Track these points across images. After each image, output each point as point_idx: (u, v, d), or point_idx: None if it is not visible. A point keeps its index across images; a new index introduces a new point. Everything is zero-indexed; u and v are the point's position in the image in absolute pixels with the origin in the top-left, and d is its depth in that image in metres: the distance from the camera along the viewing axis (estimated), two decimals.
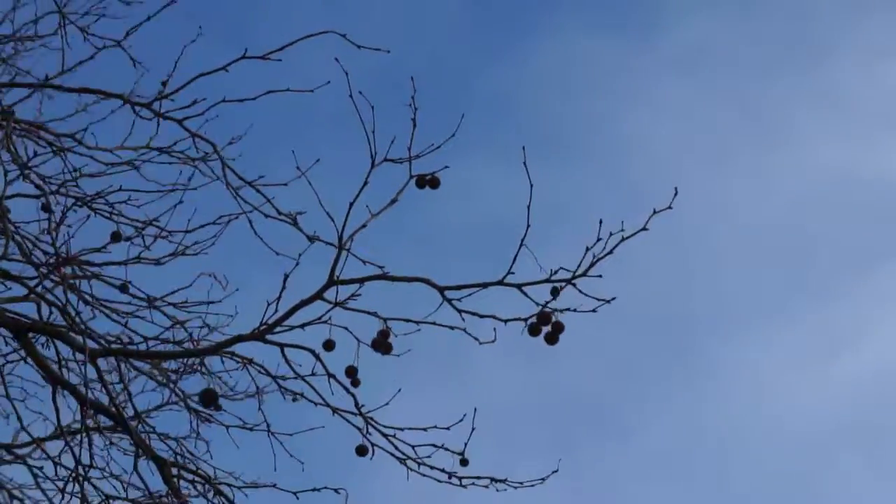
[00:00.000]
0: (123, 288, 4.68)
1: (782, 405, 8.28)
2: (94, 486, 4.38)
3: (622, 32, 7.82)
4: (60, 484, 4.37)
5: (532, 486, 4.27)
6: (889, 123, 8.55)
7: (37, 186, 4.41)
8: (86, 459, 4.26)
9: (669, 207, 3.91)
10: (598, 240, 3.89)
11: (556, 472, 4.26)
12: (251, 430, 4.76)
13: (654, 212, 3.92)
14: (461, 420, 4.31)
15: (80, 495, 4.29)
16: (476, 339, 4.17)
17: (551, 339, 3.92)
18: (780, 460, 7.89)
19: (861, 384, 8.41)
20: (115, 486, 4.63)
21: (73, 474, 4.25)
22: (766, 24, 8.33)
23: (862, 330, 8.58)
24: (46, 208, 4.39)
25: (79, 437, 4.39)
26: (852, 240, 8.47)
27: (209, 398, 4.05)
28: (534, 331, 3.92)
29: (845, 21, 8.46)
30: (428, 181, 4.33)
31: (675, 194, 3.91)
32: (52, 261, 4.34)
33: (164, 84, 4.31)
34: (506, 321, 3.95)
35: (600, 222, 3.85)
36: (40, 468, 4.65)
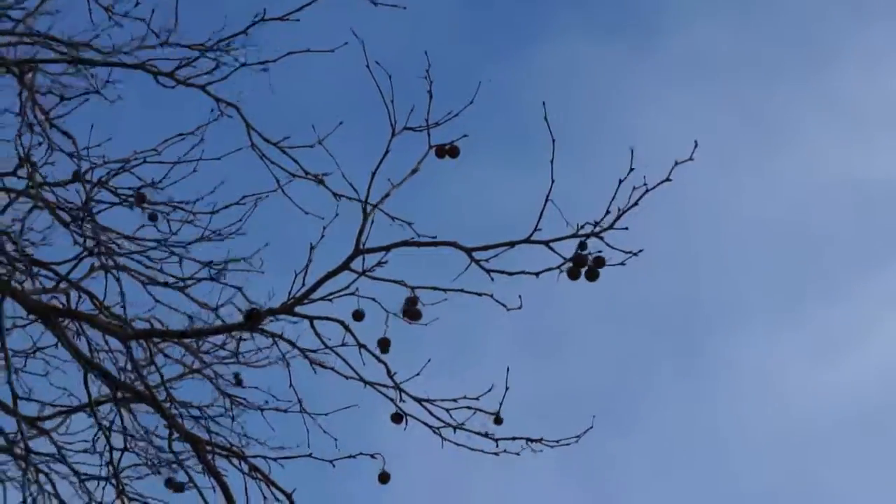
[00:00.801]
0: (152, 217, 4.67)
1: (787, 403, 8.30)
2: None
3: (623, 38, 7.85)
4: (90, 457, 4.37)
5: (567, 444, 4.25)
6: (892, 126, 8.56)
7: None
8: (118, 443, 4.29)
9: (691, 159, 3.90)
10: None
11: (591, 428, 4.23)
12: (285, 412, 4.73)
13: (676, 163, 3.91)
14: (490, 389, 4.30)
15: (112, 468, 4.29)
16: (504, 305, 4.16)
17: (592, 274, 3.88)
18: (784, 457, 7.93)
19: (865, 383, 8.40)
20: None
21: (108, 451, 4.27)
22: (768, 29, 8.37)
23: (867, 329, 8.60)
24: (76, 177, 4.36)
25: (111, 418, 4.39)
26: (857, 241, 8.51)
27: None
28: (573, 274, 3.89)
29: (848, 26, 8.48)
30: (448, 150, 4.32)
31: (696, 146, 3.89)
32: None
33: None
34: (537, 274, 3.93)
35: (619, 182, 3.83)
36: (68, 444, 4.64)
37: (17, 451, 4.47)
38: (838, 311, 8.50)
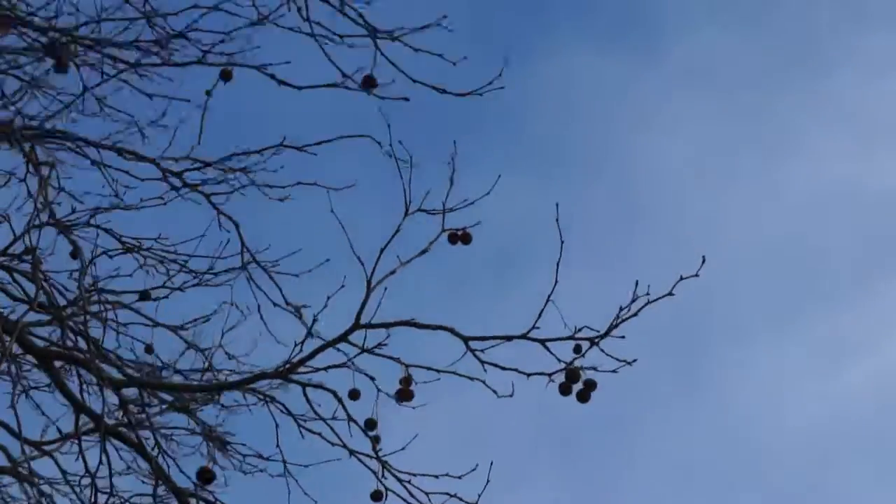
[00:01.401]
0: (144, 296, 4.75)
1: (792, 412, 8.34)
2: None
3: (626, 49, 7.87)
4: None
5: None
6: (891, 135, 8.59)
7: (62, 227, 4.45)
8: (103, 485, 4.33)
9: (696, 275, 3.98)
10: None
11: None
12: (267, 459, 4.77)
13: (681, 278, 3.99)
14: (474, 469, 4.36)
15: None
16: (495, 392, 4.24)
17: (583, 396, 3.97)
18: (789, 466, 7.95)
19: (870, 393, 8.39)
20: None
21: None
22: (771, 39, 8.36)
23: (871, 339, 8.63)
24: (74, 255, 4.45)
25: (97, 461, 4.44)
26: (861, 250, 8.51)
27: (206, 477, 4.11)
28: (565, 389, 3.97)
29: (850, 35, 8.49)
30: (460, 237, 4.40)
31: (703, 262, 3.97)
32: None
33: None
34: (528, 375, 4.01)
35: (635, 284, 3.91)
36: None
37: (21, 471, 4.52)
38: (842, 321, 8.51)
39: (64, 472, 4.63)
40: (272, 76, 4.33)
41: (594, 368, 4.04)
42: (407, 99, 4.29)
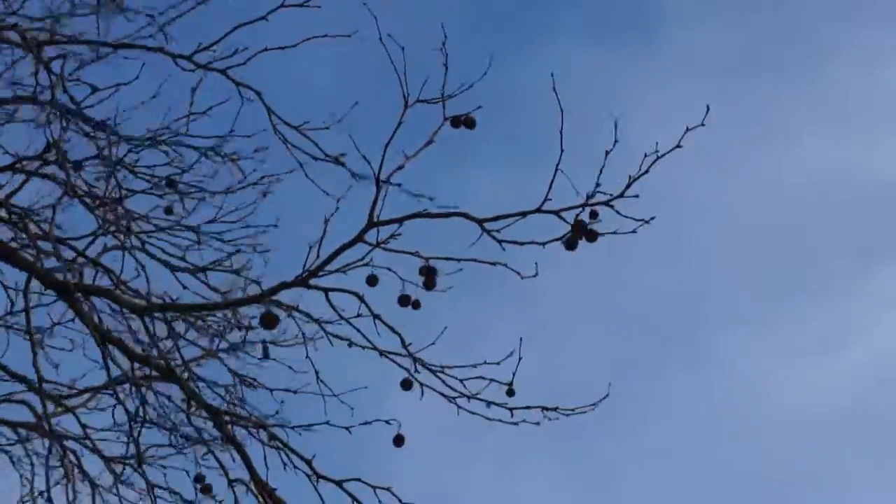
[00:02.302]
0: (171, 183, 4.73)
1: (784, 396, 8.45)
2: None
3: (621, 41, 7.93)
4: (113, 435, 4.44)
5: (584, 412, 4.29)
6: (887, 125, 8.66)
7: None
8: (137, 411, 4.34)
9: (702, 125, 3.93)
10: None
11: (606, 396, 4.27)
12: (295, 392, 4.74)
13: (687, 129, 3.94)
14: (510, 355, 4.34)
15: (134, 445, 4.36)
16: (518, 273, 4.19)
17: (591, 236, 3.93)
18: (781, 449, 8.07)
19: (860, 377, 8.56)
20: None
21: (129, 427, 4.34)
22: (764, 31, 8.46)
23: (861, 324, 8.74)
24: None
25: (129, 389, 4.44)
26: (853, 238, 8.63)
27: (270, 322, 4.06)
28: (571, 242, 3.94)
29: (843, 28, 8.60)
30: (463, 121, 4.35)
31: (707, 111, 3.93)
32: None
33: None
34: (544, 244, 3.97)
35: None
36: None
37: (43, 429, 4.53)
38: (833, 307, 8.71)
39: (84, 427, 4.64)
40: None
41: (614, 232, 4.00)
42: None
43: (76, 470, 4.60)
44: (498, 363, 4.32)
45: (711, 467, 7.67)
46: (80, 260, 4.50)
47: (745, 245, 8.12)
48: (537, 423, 4.37)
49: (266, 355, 4.65)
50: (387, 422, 4.23)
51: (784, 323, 8.58)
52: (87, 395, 4.76)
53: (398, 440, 4.27)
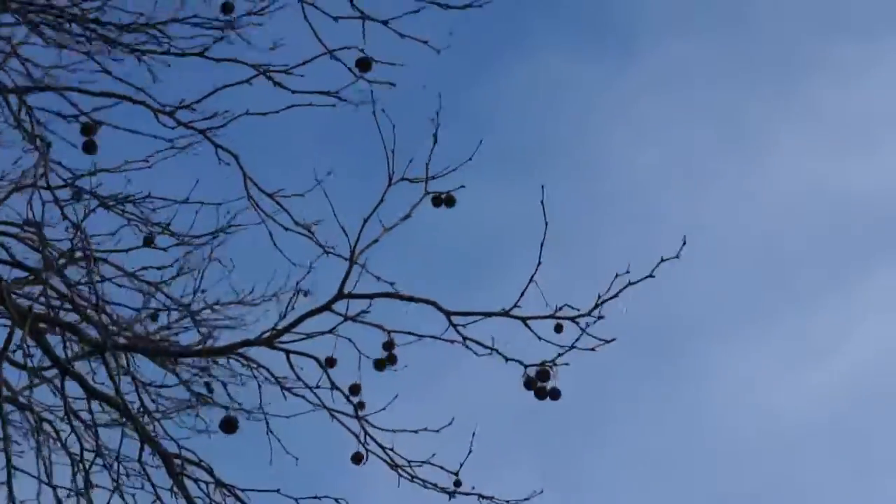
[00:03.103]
0: (148, 240, 4.78)
1: (763, 408, 8.56)
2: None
3: (599, 56, 8.00)
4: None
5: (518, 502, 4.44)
6: (863, 139, 8.83)
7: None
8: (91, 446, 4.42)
9: (677, 257, 4.05)
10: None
11: (541, 492, 4.42)
12: (249, 412, 4.81)
13: (662, 259, 4.06)
14: (450, 423, 4.45)
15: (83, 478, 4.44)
16: (475, 352, 4.32)
17: (543, 396, 4.08)
18: (763, 461, 8.11)
19: (841, 388, 8.67)
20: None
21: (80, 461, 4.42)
22: (742, 45, 8.58)
23: (841, 336, 8.86)
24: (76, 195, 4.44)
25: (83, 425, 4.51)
26: (831, 251, 8.78)
27: (230, 425, 4.18)
28: (532, 384, 4.08)
29: (819, 45, 8.74)
30: (444, 200, 4.44)
31: (684, 244, 4.04)
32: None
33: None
34: (507, 359, 4.11)
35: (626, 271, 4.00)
36: None
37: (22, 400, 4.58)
38: (812, 319, 8.78)
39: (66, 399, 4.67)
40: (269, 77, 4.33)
41: (574, 347, 4.13)
42: (393, 84, 4.27)
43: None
44: (438, 431, 4.44)
45: (692, 479, 7.85)
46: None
47: (722, 257, 8.25)
48: (480, 499, 4.49)
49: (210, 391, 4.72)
50: (336, 500, 4.35)
51: (763, 335, 8.72)
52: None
53: None
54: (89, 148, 4.38)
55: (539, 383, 4.06)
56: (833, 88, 8.75)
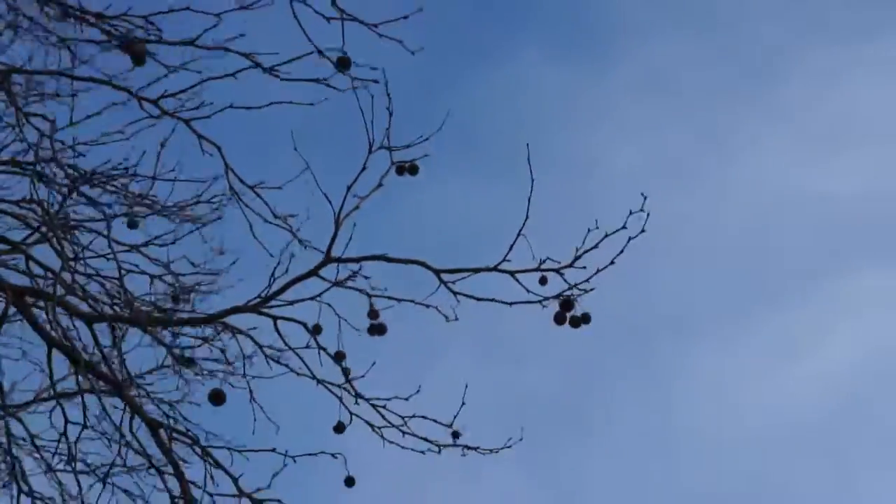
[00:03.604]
0: (132, 224, 4.81)
1: (742, 407, 8.70)
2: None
3: (579, 59, 8.18)
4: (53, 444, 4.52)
5: (499, 451, 4.58)
6: (838, 143, 9.08)
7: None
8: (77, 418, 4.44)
9: (641, 210, 4.26)
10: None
11: (521, 440, 4.56)
12: (233, 374, 4.84)
13: (630, 213, 4.27)
14: (417, 391, 4.57)
15: (66, 455, 4.46)
16: (445, 316, 4.46)
17: (577, 323, 4.24)
18: (740, 460, 8.28)
19: (817, 387, 8.89)
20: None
21: (63, 434, 4.43)
22: (721, 50, 8.77)
23: (817, 336, 9.05)
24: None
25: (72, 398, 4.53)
26: (806, 251, 8.94)
27: (218, 397, 4.25)
28: (560, 318, 4.24)
29: (797, 48, 8.96)
30: (407, 168, 4.59)
31: (644, 199, 4.26)
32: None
33: None
34: (511, 304, 4.25)
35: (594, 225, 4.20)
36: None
37: None
38: (789, 319, 8.92)
39: (32, 436, 4.70)
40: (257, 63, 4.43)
41: (557, 296, 4.31)
42: (377, 81, 4.42)
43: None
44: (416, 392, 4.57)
45: (668, 476, 7.92)
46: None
47: (700, 256, 8.37)
48: (463, 455, 4.61)
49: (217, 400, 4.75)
50: (332, 455, 4.44)
51: (740, 334, 8.86)
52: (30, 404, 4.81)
53: (349, 481, 4.47)
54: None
55: (566, 313, 4.21)
56: (810, 92, 8.94)
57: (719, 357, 8.75)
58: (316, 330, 4.52)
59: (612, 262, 4.15)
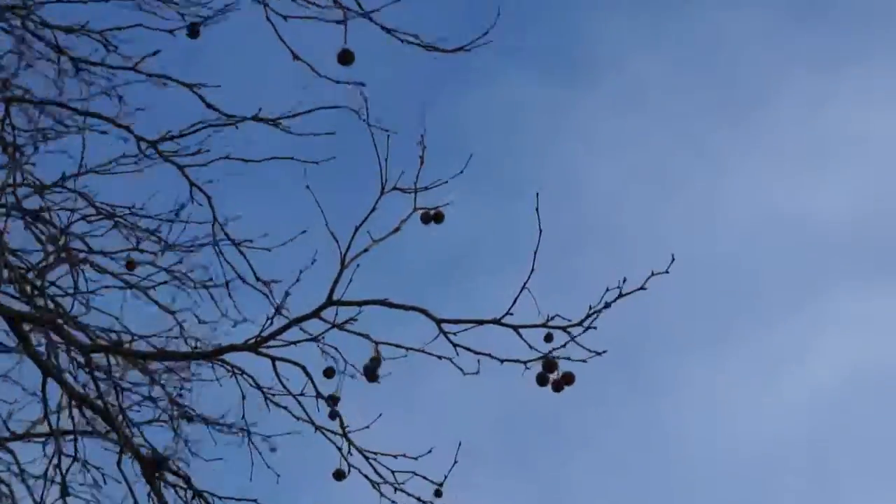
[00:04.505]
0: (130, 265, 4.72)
1: (730, 423, 8.73)
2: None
3: (561, 78, 8.17)
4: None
5: None
6: (820, 165, 9.16)
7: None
8: (69, 450, 4.35)
9: (666, 272, 4.04)
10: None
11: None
12: (229, 427, 4.76)
13: (652, 273, 4.04)
14: (429, 452, 4.40)
15: (60, 485, 4.37)
16: (461, 369, 4.26)
17: (559, 386, 4.02)
18: (727, 476, 8.29)
19: (802, 404, 8.94)
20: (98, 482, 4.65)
21: (56, 464, 4.34)
22: (702, 70, 8.77)
23: (802, 353, 9.14)
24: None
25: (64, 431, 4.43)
26: (790, 271, 9.00)
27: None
28: (542, 379, 4.02)
29: (778, 71, 8.94)
30: (433, 216, 4.41)
31: (672, 261, 4.04)
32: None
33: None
34: (502, 361, 4.05)
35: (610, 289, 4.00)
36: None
37: None
38: (775, 336, 9.00)
39: (22, 471, 4.64)
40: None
41: (568, 358, 4.09)
42: (363, 84, 4.27)
43: None
44: (416, 458, 4.38)
45: (659, 496, 7.88)
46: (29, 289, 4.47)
47: (683, 277, 8.36)
48: None
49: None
50: None
51: (726, 354, 8.92)
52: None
53: (339, 475, 4.31)
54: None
55: (550, 375, 4.00)
56: (791, 116, 9.04)
57: (705, 377, 8.77)
58: (327, 374, 4.33)
59: (607, 306, 3.96)
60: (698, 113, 8.67)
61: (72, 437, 4.36)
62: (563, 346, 3.97)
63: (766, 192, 8.93)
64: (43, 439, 4.63)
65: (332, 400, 4.33)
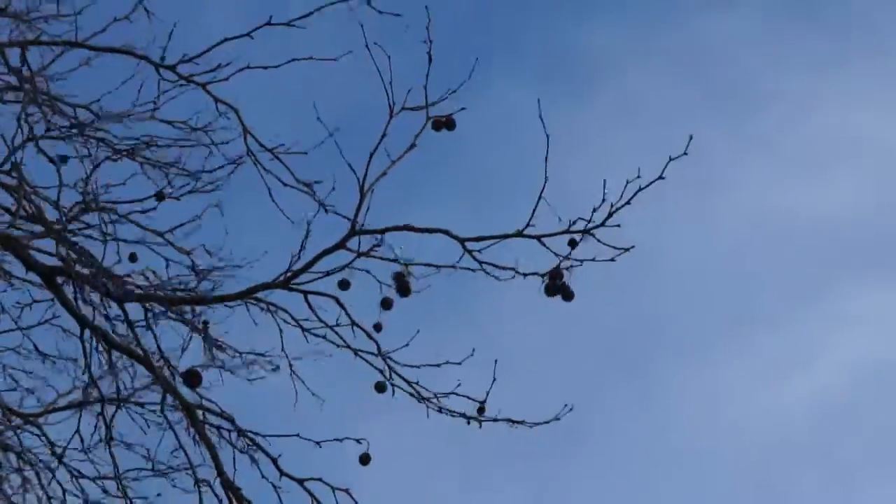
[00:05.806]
0: (160, 196, 4.74)
1: (736, 423, 8.80)
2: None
3: (558, 90, 8.17)
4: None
5: (547, 423, 4.37)
6: (815, 166, 9.19)
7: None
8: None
9: (685, 153, 3.98)
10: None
11: (571, 409, 4.36)
12: (263, 355, 4.73)
13: (670, 159, 4.00)
14: (471, 354, 4.41)
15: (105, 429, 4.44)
16: (496, 277, 4.22)
17: (567, 295, 4.00)
18: (736, 476, 8.40)
19: (809, 404, 8.99)
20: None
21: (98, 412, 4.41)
22: (698, 80, 8.79)
23: (808, 354, 9.18)
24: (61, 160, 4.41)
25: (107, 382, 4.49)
26: (794, 272, 9.10)
27: (193, 379, 4.16)
28: (550, 291, 4.00)
29: (773, 77, 9.01)
30: (444, 123, 4.37)
31: (690, 139, 3.97)
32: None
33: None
34: (525, 275, 4.03)
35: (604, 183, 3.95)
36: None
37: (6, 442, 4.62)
38: (780, 337, 9.11)
39: (52, 443, 4.71)
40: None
41: (592, 259, 4.06)
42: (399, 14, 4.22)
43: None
44: (459, 363, 4.39)
45: (668, 495, 8.02)
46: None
47: (686, 280, 8.48)
48: (511, 424, 4.41)
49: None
50: (357, 440, 4.31)
51: (731, 353, 9.01)
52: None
53: (364, 459, 4.34)
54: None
55: (555, 281, 3.98)
56: (786, 119, 9.11)
57: (715, 374, 8.88)
58: (343, 286, 4.31)
59: (628, 202, 3.92)
60: (695, 120, 8.66)
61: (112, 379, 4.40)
62: (583, 234, 3.92)
63: (762, 196, 9.01)
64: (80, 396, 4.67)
65: (377, 327, 4.35)
